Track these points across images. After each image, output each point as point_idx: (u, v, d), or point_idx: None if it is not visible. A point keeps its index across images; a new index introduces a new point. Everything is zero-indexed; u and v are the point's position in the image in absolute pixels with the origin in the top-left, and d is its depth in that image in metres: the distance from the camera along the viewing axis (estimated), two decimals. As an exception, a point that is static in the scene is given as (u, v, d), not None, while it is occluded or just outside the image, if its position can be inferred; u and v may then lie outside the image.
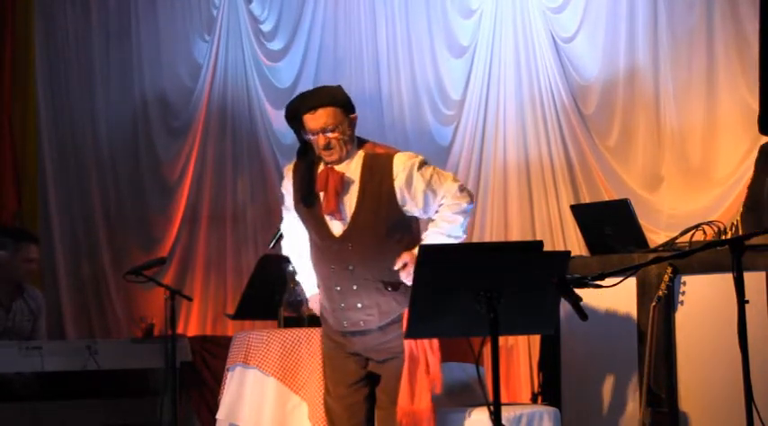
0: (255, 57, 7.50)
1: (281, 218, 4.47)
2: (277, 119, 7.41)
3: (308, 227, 4.19)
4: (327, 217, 4.09)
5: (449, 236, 4.05)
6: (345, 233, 4.07)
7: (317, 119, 4.03)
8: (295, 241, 4.35)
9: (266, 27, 7.51)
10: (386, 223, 4.05)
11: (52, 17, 7.67)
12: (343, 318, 4.13)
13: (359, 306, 4.09)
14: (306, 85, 7.23)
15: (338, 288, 4.11)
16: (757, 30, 5.26)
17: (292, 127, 4.17)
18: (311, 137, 4.07)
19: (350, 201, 4.08)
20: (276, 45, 7.46)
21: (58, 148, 7.62)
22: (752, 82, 5.36)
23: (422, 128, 6.73)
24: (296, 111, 4.10)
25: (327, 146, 4.04)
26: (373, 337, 4.12)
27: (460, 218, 4.07)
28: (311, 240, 4.20)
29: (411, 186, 4.04)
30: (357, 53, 7.07)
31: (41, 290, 6.70)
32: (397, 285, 4.08)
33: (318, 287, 4.26)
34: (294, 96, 4.27)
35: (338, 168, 4.10)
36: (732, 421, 4.17)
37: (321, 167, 4.14)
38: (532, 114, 6.31)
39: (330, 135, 4.03)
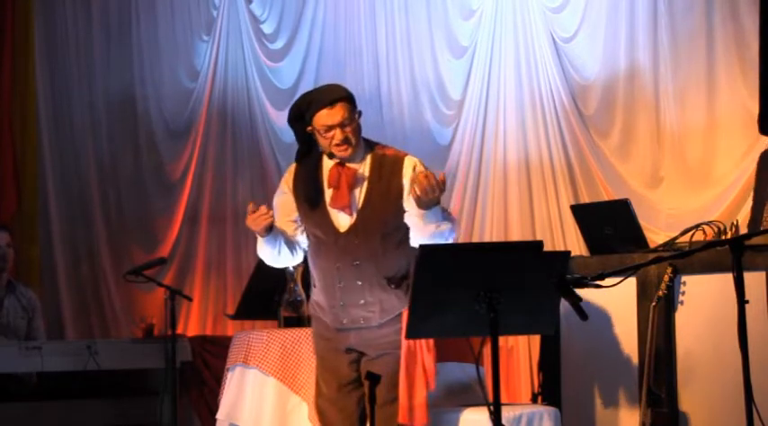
0: (256, 58, 7.51)
1: None
2: (278, 119, 7.42)
3: (309, 226, 4.16)
4: (333, 213, 4.08)
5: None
6: (352, 227, 4.06)
7: (335, 114, 4.01)
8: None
9: (267, 27, 7.51)
10: (391, 220, 4.05)
11: (52, 17, 7.66)
12: (342, 315, 4.11)
13: (361, 302, 4.07)
14: (307, 86, 7.24)
15: (341, 285, 4.08)
16: (757, 30, 5.26)
17: (295, 128, 4.15)
18: (325, 135, 4.03)
19: (358, 197, 4.08)
20: (277, 45, 7.47)
21: (58, 148, 7.60)
22: (752, 82, 5.36)
23: (422, 128, 6.73)
24: (307, 108, 4.06)
25: (345, 140, 4.02)
26: (370, 332, 4.11)
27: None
28: (312, 239, 4.17)
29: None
30: (357, 53, 7.08)
31: (39, 290, 6.69)
32: (399, 282, 4.08)
33: (314, 286, 4.24)
34: (297, 97, 4.24)
35: (350, 165, 4.09)
36: (732, 421, 4.18)
37: (328, 165, 4.13)
38: (532, 114, 6.32)
39: (348, 129, 4.03)
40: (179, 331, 6.71)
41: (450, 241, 4.01)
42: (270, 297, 5.31)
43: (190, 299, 5.84)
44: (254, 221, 4.02)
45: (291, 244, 4.20)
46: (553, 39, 6.25)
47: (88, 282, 7.54)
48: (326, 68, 7.14)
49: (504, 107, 6.43)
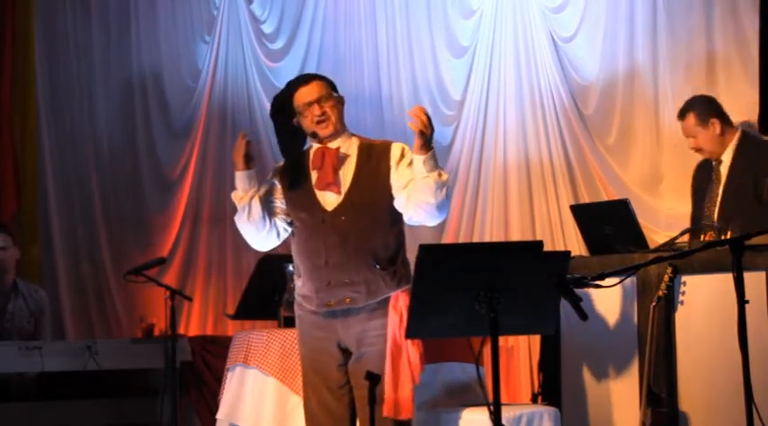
0: (256, 58, 7.51)
1: None
2: (277, 119, 7.41)
3: (295, 211, 4.19)
4: (320, 194, 4.13)
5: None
6: (340, 205, 4.10)
7: (311, 91, 4.18)
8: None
9: (267, 27, 7.52)
10: (380, 200, 4.07)
11: (52, 17, 7.66)
12: (328, 296, 4.09)
13: (347, 281, 4.07)
14: (306, 85, 7.24)
15: (328, 264, 4.08)
16: (757, 30, 5.26)
17: (276, 120, 4.29)
18: (306, 113, 4.15)
19: (345, 177, 4.13)
20: (277, 45, 7.47)
21: (59, 149, 7.61)
22: (751, 81, 5.35)
23: (422, 128, 6.72)
24: (287, 92, 4.23)
25: (323, 115, 4.14)
26: (357, 320, 4.09)
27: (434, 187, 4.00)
28: (299, 225, 4.18)
29: (399, 162, 4.10)
30: (357, 53, 7.08)
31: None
32: (386, 264, 4.08)
33: (300, 276, 4.20)
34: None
35: (333, 147, 4.16)
36: (732, 421, 4.18)
37: (313, 149, 4.21)
38: (532, 114, 6.32)
39: (325, 104, 4.15)
40: (179, 331, 6.71)
41: (448, 193, 4.06)
42: (270, 297, 5.31)
43: (190, 299, 5.85)
44: (235, 149, 4.31)
45: (267, 208, 4.21)
46: (553, 39, 6.25)
47: (89, 282, 7.55)
48: (326, 68, 7.12)
49: (504, 107, 6.43)
